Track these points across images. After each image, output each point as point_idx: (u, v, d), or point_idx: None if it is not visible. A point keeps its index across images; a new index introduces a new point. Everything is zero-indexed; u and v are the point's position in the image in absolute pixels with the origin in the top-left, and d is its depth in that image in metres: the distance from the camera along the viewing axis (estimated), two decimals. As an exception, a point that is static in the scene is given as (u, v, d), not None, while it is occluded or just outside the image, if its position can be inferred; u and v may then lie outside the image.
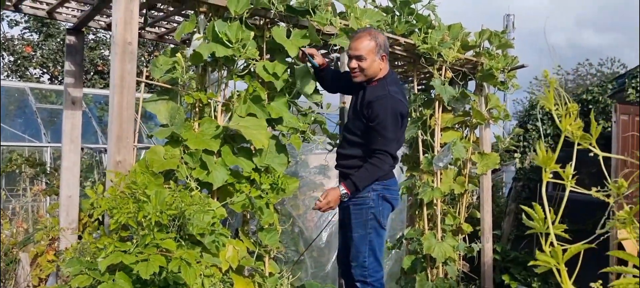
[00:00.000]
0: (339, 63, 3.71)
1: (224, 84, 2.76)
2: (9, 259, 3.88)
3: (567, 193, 0.94)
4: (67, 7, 2.99)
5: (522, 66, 4.07)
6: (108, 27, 3.19)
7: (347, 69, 3.16)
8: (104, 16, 3.14)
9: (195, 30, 2.63)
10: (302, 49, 2.87)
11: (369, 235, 2.65)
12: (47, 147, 7.12)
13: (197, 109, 2.67)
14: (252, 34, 2.59)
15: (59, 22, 9.62)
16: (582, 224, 5.55)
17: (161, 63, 2.60)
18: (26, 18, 9.60)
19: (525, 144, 5.96)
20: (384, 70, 2.75)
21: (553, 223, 0.93)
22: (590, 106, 5.40)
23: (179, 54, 2.43)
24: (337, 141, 3.07)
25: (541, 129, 5.79)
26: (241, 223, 2.87)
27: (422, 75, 4.13)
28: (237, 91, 2.72)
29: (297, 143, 2.72)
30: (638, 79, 5.12)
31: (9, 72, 9.61)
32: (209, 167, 2.48)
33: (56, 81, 9.96)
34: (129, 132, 2.25)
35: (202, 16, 2.62)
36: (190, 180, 2.41)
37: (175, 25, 3.37)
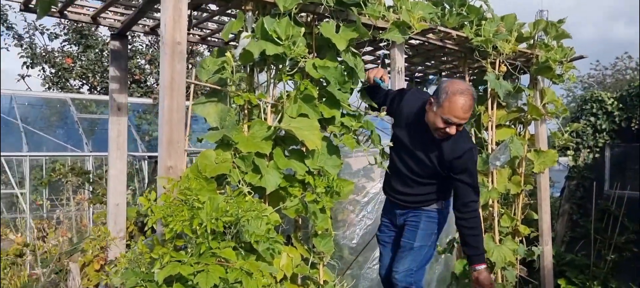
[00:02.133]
0: (386, 60, 3.56)
1: (273, 83, 2.65)
2: (56, 268, 3.87)
3: None
4: (111, 12, 2.94)
5: (581, 57, 3.84)
6: (152, 30, 3.13)
7: (397, 75, 3.01)
8: (148, 19, 3.08)
9: (241, 28, 2.53)
10: (369, 71, 2.75)
11: (429, 248, 2.56)
12: (89, 156, 7.21)
13: (246, 111, 2.56)
14: (302, 30, 2.46)
15: (98, 32, 9.78)
16: (645, 224, 5.24)
17: (208, 64, 2.51)
18: (66, 30, 9.78)
19: (578, 140, 5.68)
20: None
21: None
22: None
23: (228, 53, 2.32)
24: (386, 159, 2.84)
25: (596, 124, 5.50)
26: (293, 229, 2.75)
27: (472, 70, 3.94)
28: (287, 91, 2.60)
29: (350, 143, 2.58)
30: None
31: (50, 83, 9.81)
32: (262, 171, 2.36)
33: (95, 91, 10.12)
34: (180, 136, 2.15)
35: (249, 13, 2.51)
36: (242, 185, 2.29)
37: (218, 26, 3.29)
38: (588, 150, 5.64)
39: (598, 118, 5.53)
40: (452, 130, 2.36)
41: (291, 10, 2.46)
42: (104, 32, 10.07)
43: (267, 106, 2.58)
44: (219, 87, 2.47)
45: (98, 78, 9.75)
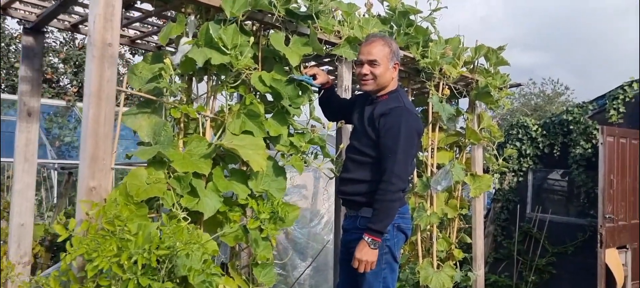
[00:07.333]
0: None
1: (212, 96, 2.40)
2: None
3: None
4: (26, 3, 2.55)
5: (519, 85, 3.91)
6: (73, 27, 2.76)
7: (343, 93, 2.86)
8: (69, 15, 2.72)
9: (181, 33, 2.27)
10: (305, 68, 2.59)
11: (383, 271, 2.32)
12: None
13: (181, 125, 2.29)
14: (251, 39, 2.25)
15: (6, 25, 8.87)
16: (563, 246, 5.47)
17: (141, 70, 2.22)
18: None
19: (504, 164, 5.85)
20: (394, 83, 2.47)
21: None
22: (571, 127, 5.34)
23: (167, 60, 2.05)
24: (339, 167, 2.68)
25: (521, 149, 5.69)
26: (230, 257, 2.50)
27: (413, 91, 3.89)
28: (229, 104, 2.37)
29: (299, 165, 2.38)
30: (619, 100, 5.10)
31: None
32: (199, 194, 2.10)
33: (-2, 89, 9.16)
34: (107, 152, 1.85)
35: (191, 17, 2.26)
36: (177, 210, 2.02)
37: (150, 28, 2.98)
38: (513, 174, 5.81)
39: (523, 143, 5.73)
40: (364, 69, 2.42)
41: (238, 17, 2.24)
42: (12, 24, 9.18)
43: (206, 120, 2.33)
44: (154, 97, 2.19)
45: (3, 75, 8.84)
